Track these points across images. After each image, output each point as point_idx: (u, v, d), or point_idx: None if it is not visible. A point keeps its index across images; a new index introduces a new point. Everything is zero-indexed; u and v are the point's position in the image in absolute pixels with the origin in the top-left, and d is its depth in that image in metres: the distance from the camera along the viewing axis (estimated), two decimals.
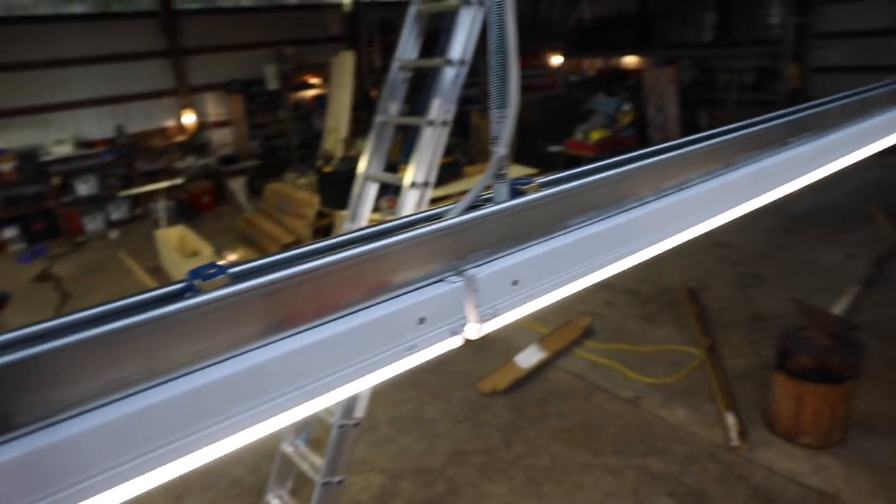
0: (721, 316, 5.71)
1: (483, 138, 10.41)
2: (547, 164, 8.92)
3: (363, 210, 3.80)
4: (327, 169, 7.15)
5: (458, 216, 0.78)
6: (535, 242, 0.84)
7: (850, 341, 3.97)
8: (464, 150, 9.07)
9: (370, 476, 4.02)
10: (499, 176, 0.84)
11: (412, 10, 3.60)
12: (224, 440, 0.58)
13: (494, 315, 0.80)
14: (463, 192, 4.22)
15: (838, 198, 8.15)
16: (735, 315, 5.72)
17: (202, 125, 11.10)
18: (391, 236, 0.72)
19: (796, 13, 11.61)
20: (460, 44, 3.40)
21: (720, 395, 4.46)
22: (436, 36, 4.23)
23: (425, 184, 3.56)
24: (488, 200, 0.85)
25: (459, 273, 0.77)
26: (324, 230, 7.32)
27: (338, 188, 6.71)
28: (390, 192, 5.26)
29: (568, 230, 0.88)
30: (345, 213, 6.43)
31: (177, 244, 7.29)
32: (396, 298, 0.71)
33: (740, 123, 1.17)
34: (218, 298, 0.58)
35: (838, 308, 5.47)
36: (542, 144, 9.95)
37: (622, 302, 6.07)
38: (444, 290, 0.74)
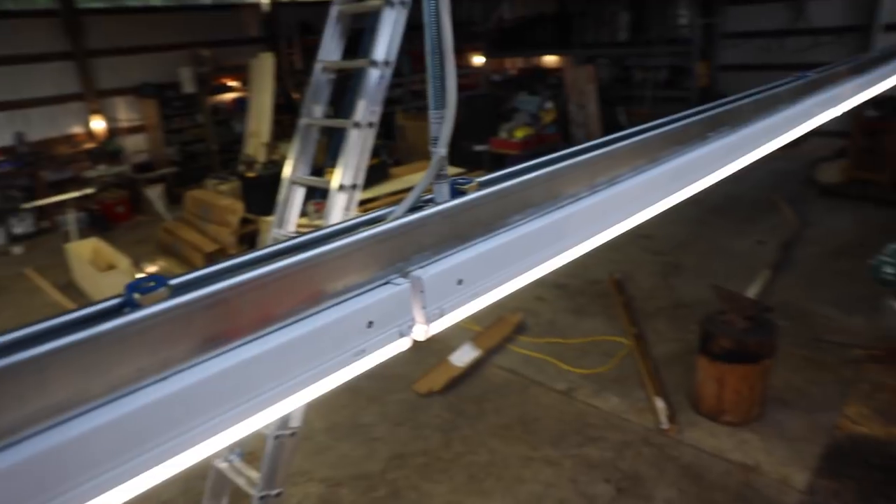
0: (646, 305, 5.94)
1: (408, 139, 10.41)
2: (472, 163, 9.01)
3: (290, 215, 3.71)
4: (250, 174, 6.96)
5: (400, 218, 0.78)
6: (477, 241, 0.85)
7: (764, 322, 4.22)
8: (390, 152, 9.03)
9: (309, 486, 3.94)
10: (439, 176, 0.83)
11: (334, 11, 3.55)
12: (172, 459, 0.55)
13: (441, 315, 0.80)
14: (391, 194, 4.27)
15: (747, 189, 8.64)
16: (659, 303, 5.96)
17: (113, 131, 10.54)
18: (335, 241, 0.71)
19: (702, 14, 12.24)
20: (384, 45, 3.38)
21: (649, 382, 4.64)
22: (359, 36, 4.20)
23: (353, 186, 3.51)
24: (430, 201, 0.84)
25: (405, 275, 0.76)
26: (249, 237, 7.12)
27: (262, 193, 6.54)
28: (317, 195, 5.18)
29: (508, 228, 0.89)
30: (270, 218, 6.26)
31: (90, 258, 6.90)
32: (344, 303, 0.70)
33: (664, 120, 1.22)
34: (161, 312, 0.55)
35: (752, 292, 5.80)
36: (466, 144, 10.04)
37: (552, 296, 6.21)
38: (391, 292, 0.73)
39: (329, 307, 0.68)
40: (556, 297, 6.21)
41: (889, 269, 4.42)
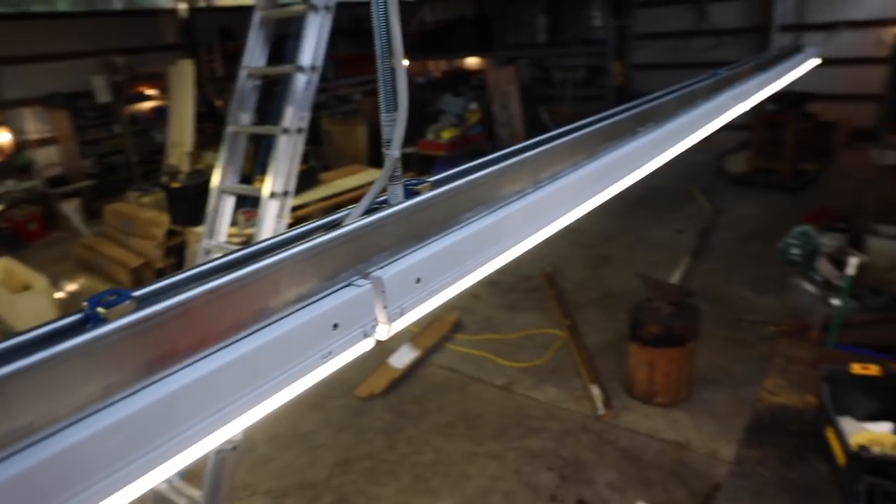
0: (578, 297, 6.13)
1: (336, 144, 10.30)
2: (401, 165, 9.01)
3: (221, 225, 3.62)
4: (175, 185, 6.71)
5: (357, 220, 0.79)
6: (432, 240, 0.87)
7: (688, 307, 4.45)
8: (318, 157, 8.92)
9: (253, 500, 3.85)
10: (393, 178, 0.85)
11: (256, 17, 3.49)
12: (149, 474, 0.55)
13: (402, 313, 0.82)
14: (321, 199, 4.24)
15: (666, 181, 9.06)
16: (590, 294, 6.17)
17: (22, 144, 9.88)
18: (296, 245, 0.71)
19: (615, 16, 12.74)
20: (310, 50, 3.36)
21: (584, 371, 4.80)
22: (283, 41, 4.13)
23: (285, 193, 3.47)
24: (384, 202, 0.86)
25: (366, 276, 0.78)
26: (176, 249, 6.86)
27: (188, 204, 6.33)
28: (247, 204, 5.07)
29: (461, 225, 0.92)
30: (199, 229, 6.09)
31: (1, 279, 6.46)
32: (310, 306, 0.70)
33: (597, 117, 1.28)
34: (130, 325, 0.55)
35: (675, 278, 6.10)
36: None
37: (486, 293, 6.31)
38: (354, 293, 0.74)
39: (295, 311, 0.69)
40: (491, 293, 6.31)
41: (795, 251, 4.76)
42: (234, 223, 3.83)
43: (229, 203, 3.63)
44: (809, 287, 5.19)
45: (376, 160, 9.38)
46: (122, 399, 0.55)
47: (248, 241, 5.25)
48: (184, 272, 0.68)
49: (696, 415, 4.25)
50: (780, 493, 2.28)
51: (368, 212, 0.82)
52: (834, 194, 8.21)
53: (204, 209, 3.69)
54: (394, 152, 0.84)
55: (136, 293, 0.61)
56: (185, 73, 8.65)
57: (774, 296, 5.70)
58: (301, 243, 0.73)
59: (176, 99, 8.83)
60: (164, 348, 0.58)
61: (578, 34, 13.01)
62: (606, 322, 5.59)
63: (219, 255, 3.45)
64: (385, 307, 0.79)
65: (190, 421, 0.58)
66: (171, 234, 6.82)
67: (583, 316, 5.74)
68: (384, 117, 0.84)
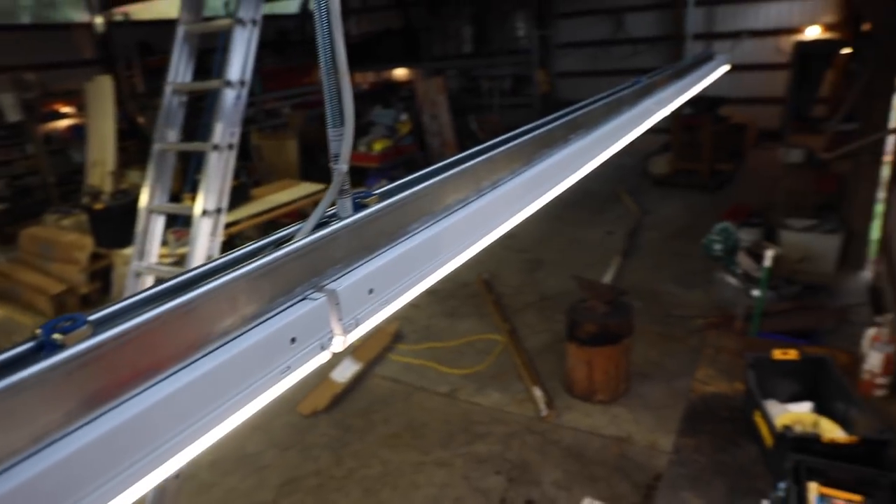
0: (515, 301, 6.25)
1: (266, 159, 10.11)
2: (330, 177, 8.92)
3: (151, 246, 3.50)
4: (98, 206, 6.41)
5: (308, 235, 0.80)
6: (383, 251, 0.89)
7: (622, 305, 4.62)
8: (249, 172, 8.73)
9: None
10: (342, 192, 0.87)
11: (181, 31, 3.41)
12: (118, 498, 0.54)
13: (357, 325, 0.83)
14: (254, 215, 4.16)
15: (595, 184, 9.35)
16: (527, 298, 6.29)
17: None
18: (250, 263, 0.72)
19: (538, 27, 13.11)
20: (238, 64, 3.31)
21: (525, 373, 4.89)
22: (208, 55, 4.05)
23: (218, 210, 3.40)
24: (333, 216, 0.88)
25: (320, 289, 0.79)
26: (101, 273, 6.54)
27: (113, 225, 6.06)
28: (178, 223, 4.91)
29: (409, 235, 0.94)
30: (126, 251, 5.84)
31: None
32: (267, 322, 0.71)
33: (531, 125, 1.34)
34: (89, 350, 0.54)
35: (608, 278, 6.31)
36: (324, 159, 9.94)
37: (425, 302, 6.33)
38: (310, 307, 0.75)
39: (253, 327, 0.69)
40: (430, 302, 6.34)
41: (718, 246, 5.02)
42: (164, 243, 3.71)
43: (159, 223, 3.51)
44: (732, 280, 5.48)
45: (308, 174, 9.26)
46: (82, 426, 0.54)
47: (180, 261, 5.08)
48: (139, 293, 0.67)
49: (635, 409, 4.41)
50: (716, 476, 2.40)
51: (319, 226, 0.84)
52: (748, 191, 8.71)
53: (130, 230, 3.56)
54: (342, 167, 0.85)
55: (92, 317, 0.60)
56: (103, 90, 8.29)
57: (701, 290, 5.99)
58: (255, 260, 0.73)
59: (95, 116, 8.44)
60: (124, 372, 0.57)
61: (504, 44, 13.31)
62: (544, 324, 5.72)
63: (151, 277, 3.31)
64: (340, 319, 0.80)
65: (153, 444, 0.57)
66: (95, 257, 6.50)
67: (521, 319, 5.85)
68: (331, 132, 0.85)
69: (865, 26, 6.90)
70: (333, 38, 0.81)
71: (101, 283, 6.59)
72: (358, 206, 0.89)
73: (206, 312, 0.65)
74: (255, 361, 0.68)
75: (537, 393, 4.61)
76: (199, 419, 0.61)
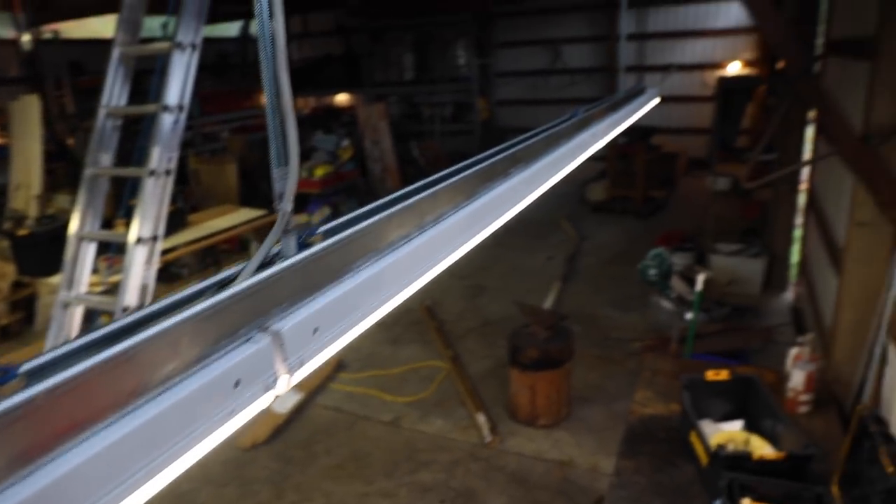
0: (458, 327, 6.27)
1: (203, 183, 9.87)
2: (271, 203, 8.77)
3: (81, 274, 3.36)
4: (22, 231, 6.09)
5: (252, 277, 0.80)
6: (327, 290, 0.89)
7: (562, 329, 4.71)
8: (186, 197, 8.50)
9: None
10: (285, 232, 0.87)
11: (116, 53, 3.32)
12: None
13: (301, 364, 0.83)
14: (191, 242, 4.07)
15: (535, 211, 9.49)
16: (469, 324, 6.33)
17: None
18: (192, 306, 0.71)
19: (478, 55, 13.41)
20: (177, 89, 3.25)
21: (469, 400, 4.90)
22: (144, 76, 3.94)
23: (154, 238, 3.30)
24: (277, 255, 0.87)
25: (264, 330, 0.78)
26: (24, 302, 6.19)
27: (37, 252, 5.78)
28: (110, 249, 4.72)
29: (353, 273, 0.95)
30: (53, 280, 5.56)
31: None
32: (210, 366, 0.70)
33: (474, 159, 1.37)
34: (25, 403, 0.52)
35: (548, 303, 6.42)
36: (265, 184, 9.77)
37: (369, 330, 6.25)
38: (254, 349, 0.74)
39: (196, 372, 0.68)
40: (373, 329, 6.23)
41: (653, 271, 5.21)
42: (95, 270, 3.56)
43: (90, 250, 3.38)
44: (667, 304, 5.68)
45: (247, 199, 9.09)
46: (13, 485, 0.52)
47: (112, 290, 4.86)
48: (74, 341, 0.65)
49: (577, 433, 4.48)
50: (655, 497, 2.47)
51: (263, 266, 0.83)
52: (679, 217, 9.08)
53: (57, 257, 3.41)
54: (286, 206, 0.85)
55: (24, 368, 0.58)
56: (29, 110, 7.94)
57: (637, 313, 6.17)
58: (197, 303, 0.72)
59: (19, 137, 8.06)
60: (59, 425, 0.55)
61: (445, 72, 13.54)
62: (487, 350, 5.76)
63: (80, 307, 3.15)
64: (285, 360, 0.79)
65: (90, 499, 0.55)
66: (17, 286, 6.16)
67: (464, 345, 5.88)
68: (275, 172, 0.86)
69: (780, 64, 7.40)
70: (279, 76, 0.81)
71: (24, 313, 6.24)
72: (302, 245, 0.89)
73: (147, 359, 0.63)
74: (197, 407, 0.67)
75: (481, 419, 4.62)
76: (140, 469, 0.60)
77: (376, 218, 1.01)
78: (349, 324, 0.92)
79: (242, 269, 0.82)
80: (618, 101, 3.08)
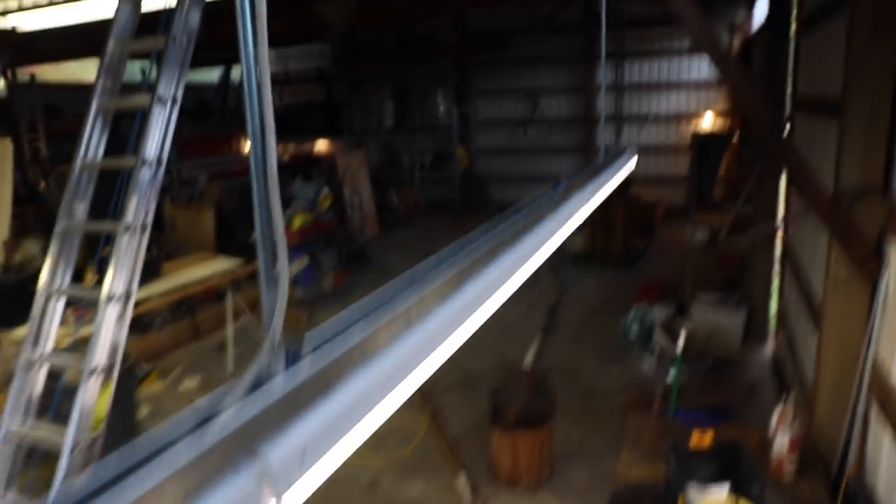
0: (438, 382, 6.16)
1: (179, 230, 9.73)
2: (250, 252, 8.64)
3: (49, 330, 3.22)
4: None
5: (240, 404, 0.75)
6: (314, 410, 0.85)
7: (545, 386, 4.64)
8: (160, 245, 8.35)
9: None
10: (272, 354, 0.83)
11: (94, 105, 3.28)
12: None
13: (290, 486, 0.78)
14: (165, 293, 3.94)
15: None
16: (451, 377, 6.22)
17: None
18: (177, 451, 0.66)
19: (457, 104, 13.63)
20: (156, 143, 3.18)
21: (450, 460, 4.76)
22: (122, 119, 3.90)
23: (127, 294, 3.19)
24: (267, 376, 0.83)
25: (253, 455, 0.73)
26: None
27: (3, 302, 5.58)
28: (82, 300, 4.56)
29: (340, 390, 0.90)
30: (17, 333, 5.35)
31: None
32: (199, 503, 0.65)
33: (458, 244, 1.35)
34: None
35: (530, 356, 6.35)
36: (241, 232, 9.63)
37: None
38: (244, 477, 0.70)
39: None
40: None
41: (635, 328, 5.21)
42: (62, 321, 3.42)
43: (59, 306, 3.25)
44: (650, 359, 5.66)
45: (224, 247, 8.94)
46: None
47: (80, 345, 4.68)
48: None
49: (561, 495, 4.37)
50: None
51: (251, 390, 0.78)
52: (659, 266, 9.16)
53: (22, 308, 3.28)
54: (274, 332, 0.81)
55: None
56: (2, 153, 7.80)
57: (620, 365, 6.14)
58: (185, 437, 0.67)
59: None
60: None
61: (424, 120, 13.71)
62: (468, 403, 5.65)
63: (45, 368, 3.03)
64: (274, 485, 0.75)
65: None
66: None
67: (445, 400, 5.75)
68: (265, 299, 0.82)
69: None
70: (271, 205, 0.78)
71: None
72: (292, 360, 0.84)
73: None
74: None
75: (462, 482, 4.48)
76: None
77: (364, 334, 0.97)
78: (338, 443, 0.88)
79: (230, 394, 0.77)
80: (598, 167, 3.11)
